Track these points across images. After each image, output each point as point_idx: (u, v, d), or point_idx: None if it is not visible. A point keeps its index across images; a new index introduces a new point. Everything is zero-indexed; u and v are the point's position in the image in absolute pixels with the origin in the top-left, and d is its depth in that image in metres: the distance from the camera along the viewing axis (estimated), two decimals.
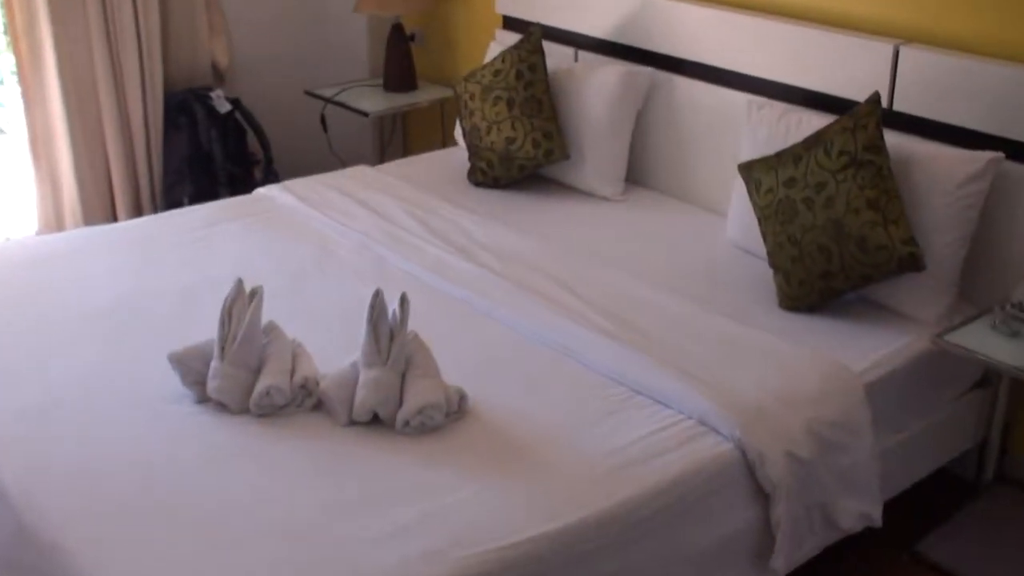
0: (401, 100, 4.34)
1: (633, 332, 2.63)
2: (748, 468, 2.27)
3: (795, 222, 2.75)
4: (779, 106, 3.09)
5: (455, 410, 2.30)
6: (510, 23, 4.04)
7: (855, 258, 2.67)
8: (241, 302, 2.35)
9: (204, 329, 2.43)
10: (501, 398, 2.40)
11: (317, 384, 2.32)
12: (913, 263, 2.62)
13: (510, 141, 3.50)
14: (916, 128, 2.87)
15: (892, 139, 2.74)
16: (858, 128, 2.69)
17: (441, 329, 2.56)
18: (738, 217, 3.12)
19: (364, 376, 2.27)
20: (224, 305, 2.34)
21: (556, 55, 3.73)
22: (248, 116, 4.36)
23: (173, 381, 2.39)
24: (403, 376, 2.30)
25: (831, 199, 2.69)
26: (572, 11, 3.76)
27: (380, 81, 4.48)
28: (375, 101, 4.33)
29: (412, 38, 4.52)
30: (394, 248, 3.10)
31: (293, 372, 2.33)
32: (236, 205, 3.47)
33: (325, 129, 4.44)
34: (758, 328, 2.69)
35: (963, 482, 3.01)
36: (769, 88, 3.21)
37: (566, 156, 3.49)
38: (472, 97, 3.61)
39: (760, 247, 3.01)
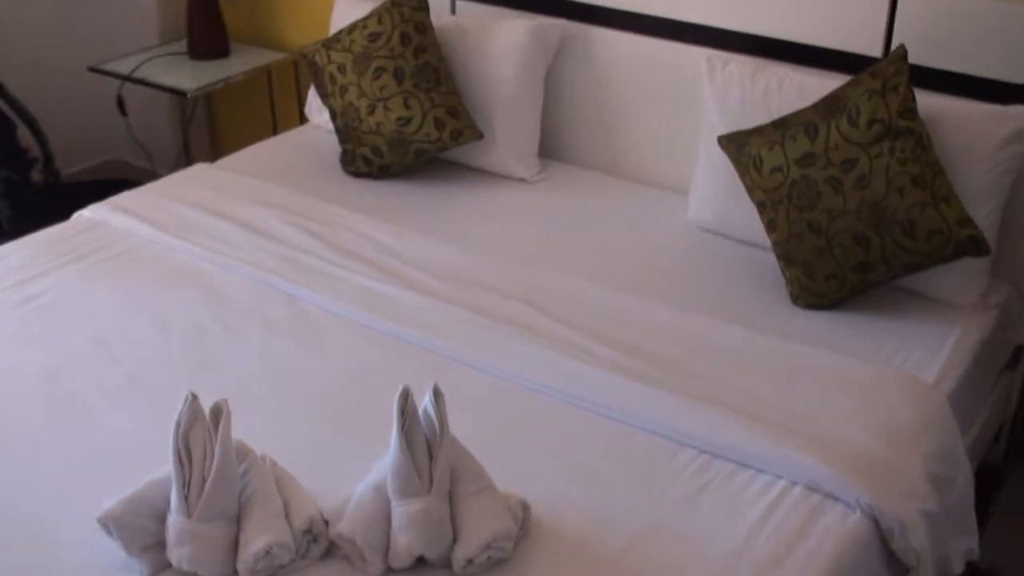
0: (217, 71, 3.52)
1: (662, 367, 2.11)
2: (882, 539, 1.84)
3: (818, 207, 2.31)
4: (747, 61, 2.61)
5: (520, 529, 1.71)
6: None
7: (901, 246, 2.26)
8: (201, 427, 1.63)
9: (106, 453, 1.79)
10: (546, 491, 1.82)
11: (326, 524, 1.67)
12: (976, 247, 2.24)
13: (403, 122, 2.84)
14: (921, 81, 2.47)
15: None
16: (888, 90, 2.26)
17: (399, 381, 1.91)
18: (706, 195, 2.66)
19: (403, 510, 1.63)
20: (176, 434, 1.62)
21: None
22: (14, 103, 3.42)
23: (101, 549, 1.65)
24: (449, 496, 1.68)
25: (865, 178, 2.26)
26: None
27: (182, 47, 3.63)
28: (184, 74, 3.49)
29: None
30: (301, 280, 2.41)
31: (287, 512, 1.66)
32: (58, 242, 2.61)
33: (124, 113, 3.55)
34: (784, 335, 2.26)
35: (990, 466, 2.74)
36: (716, 37, 2.74)
37: (479, 135, 2.87)
38: (341, 69, 2.90)
39: (742, 229, 2.59)
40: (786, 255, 2.38)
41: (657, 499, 1.83)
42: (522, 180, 2.93)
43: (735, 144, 2.46)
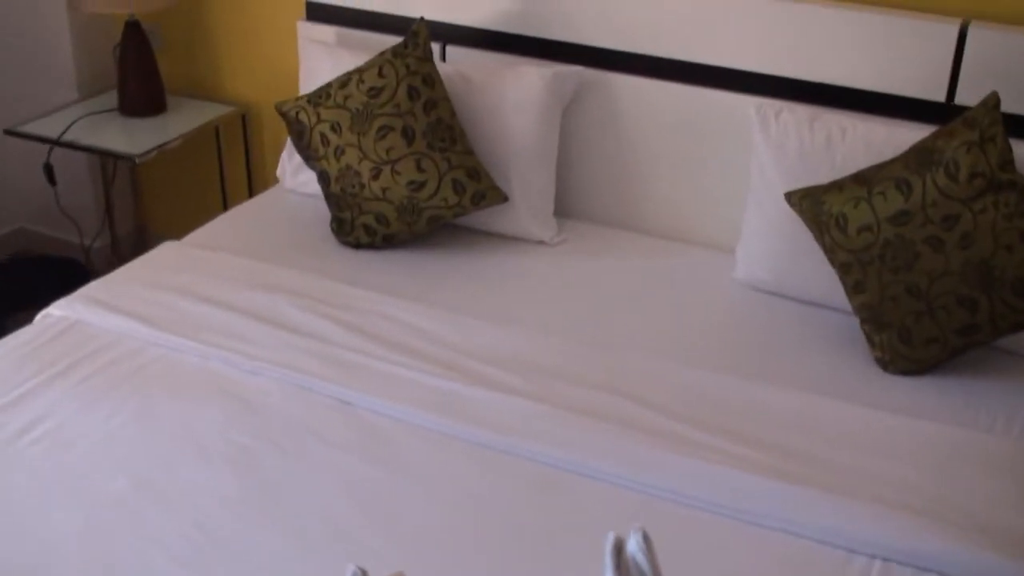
0: (157, 129, 3.12)
1: (799, 460, 1.92)
2: None
3: (916, 268, 2.16)
4: (801, 109, 2.45)
5: None
6: (318, 13, 2.99)
7: (1010, 306, 2.13)
8: None
9: None
10: None
11: None
12: None
13: (416, 186, 2.54)
14: None
15: None
16: (985, 141, 2.13)
17: (520, 508, 1.79)
18: (761, 253, 2.47)
19: None
20: None
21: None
22: None
23: None
24: None
25: (969, 236, 2.12)
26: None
27: (108, 103, 3.21)
28: (116, 134, 3.08)
29: None
30: (351, 381, 2.10)
31: None
32: (31, 352, 2.18)
33: (53, 182, 3.11)
34: (893, 407, 2.10)
35: None
36: (750, 82, 2.57)
37: (503, 198, 2.60)
38: (335, 129, 2.59)
39: (806, 289, 2.43)
40: (876, 319, 2.22)
41: None
42: (541, 243, 2.68)
43: (809, 201, 2.28)
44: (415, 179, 2.54)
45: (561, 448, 1.94)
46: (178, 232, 2.71)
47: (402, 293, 2.43)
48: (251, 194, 3.36)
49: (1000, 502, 1.84)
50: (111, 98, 3.21)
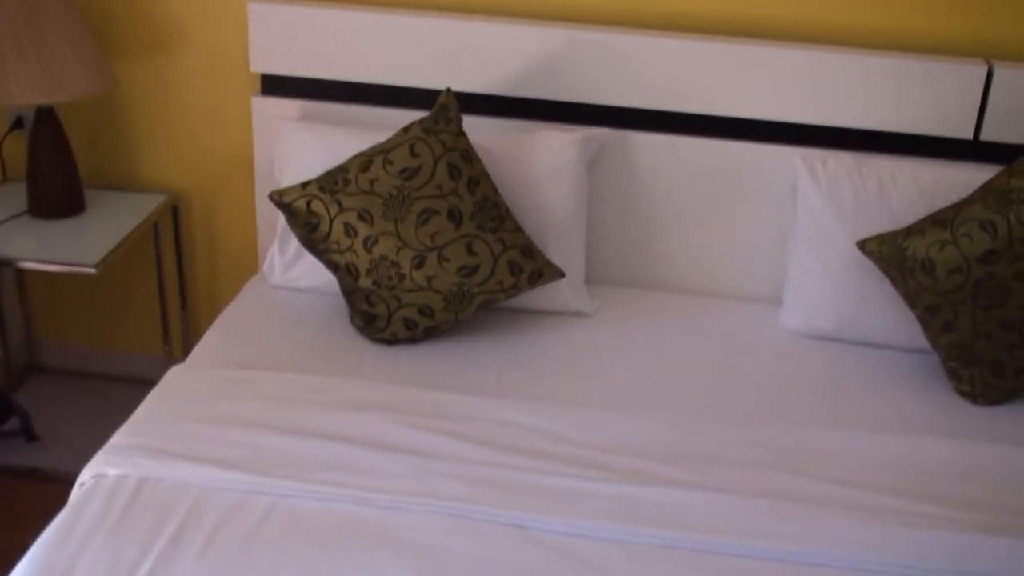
0: (80, 232, 2.71)
1: (986, 512, 1.96)
2: None
3: (1009, 304, 2.27)
4: (846, 157, 2.51)
5: None
6: (276, 86, 2.72)
7: None
8: None
9: None
10: None
11: None
12: None
13: (468, 271, 2.37)
14: (1007, 158, 2.53)
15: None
16: None
17: None
18: (817, 300, 2.51)
19: None
20: None
21: (395, 124, 2.60)
22: None
23: None
24: None
25: None
26: (426, 65, 2.65)
27: (15, 205, 2.75)
28: (30, 242, 2.65)
29: (19, 124, 2.86)
30: (514, 503, 1.91)
31: None
32: (120, 524, 1.82)
33: None
34: (1010, 440, 2.20)
35: None
36: (779, 132, 2.60)
37: (560, 274, 2.47)
38: (364, 217, 2.36)
39: (869, 333, 2.49)
40: (966, 356, 2.31)
41: None
42: (581, 314, 2.57)
43: (889, 247, 2.34)
44: (467, 264, 2.36)
45: (737, 535, 1.87)
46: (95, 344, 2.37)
47: (472, 388, 2.27)
48: (183, 295, 3.00)
49: None
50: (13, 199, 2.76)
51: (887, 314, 2.45)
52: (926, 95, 2.51)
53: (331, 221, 2.38)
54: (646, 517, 1.90)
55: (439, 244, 2.36)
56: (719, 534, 1.87)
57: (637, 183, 2.64)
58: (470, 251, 2.37)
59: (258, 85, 2.73)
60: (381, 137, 2.48)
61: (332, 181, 2.40)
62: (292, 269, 2.59)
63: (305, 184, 2.42)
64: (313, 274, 2.56)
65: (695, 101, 2.58)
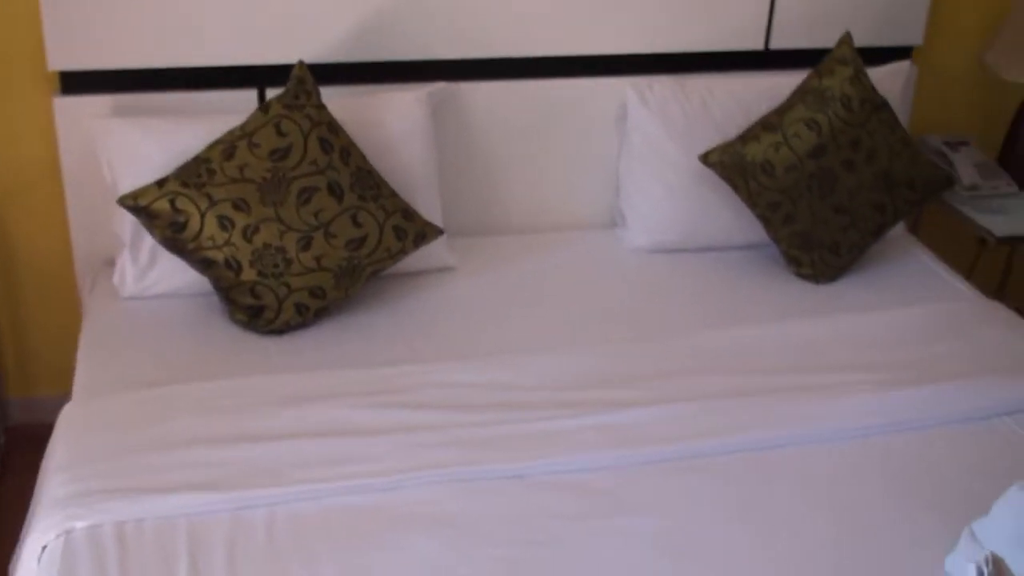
0: None
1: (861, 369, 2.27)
2: None
3: (838, 190, 2.59)
4: (666, 80, 2.72)
5: None
6: (78, 83, 2.50)
7: (906, 200, 2.67)
8: None
9: None
10: None
11: None
12: (949, 180, 2.74)
13: (356, 244, 2.35)
14: (795, 62, 2.85)
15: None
16: (859, 72, 2.61)
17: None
18: (664, 217, 2.73)
19: None
20: None
21: (225, 106, 2.51)
22: None
23: None
24: None
25: (873, 153, 2.60)
26: (247, 41, 2.54)
27: None
28: None
29: None
30: (509, 456, 1.97)
31: None
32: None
33: None
34: (859, 308, 2.53)
35: None
36: (592, 65, 2.76)
37: (439, 231, 2.49)
38: (240, 207, 2.27)
39: (710, 238, 2.74)
40: (807, 242, 2.62)
41: None
42: (448, 268, 2.63)
43: (729, 156, 2.59)
44: (354, 236, 2.34)
45: (729, 434, 2.06)
46: None
47: (393, 359, 2.27)
48: None
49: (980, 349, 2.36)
50: None
51: (726, 218, 2.71)
52: (720, 13, 2.77)
53: (202, 216, 2.27)
54: (626, 439, 2.03)
55: (324, 221, 2.32)
56: (695, 439, 2.04)
57: (476, 132, 2.71)
58: (356, 223, 2.35)
59: (57, 84, 2.50)
60: (217, 123, 2.38)
61: (195, 174, 2.28)
62: (146, 277, 2.43)
63: (161, 182, 2.28)
64: (171, 278, 2.43)
65: (521, 45, 2.68)
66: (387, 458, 1.95)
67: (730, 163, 2.59)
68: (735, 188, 2.61)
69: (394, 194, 2.43)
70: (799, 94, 2.63)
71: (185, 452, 1.95)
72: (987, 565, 1.46)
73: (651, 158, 2.70)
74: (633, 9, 2.71)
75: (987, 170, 2.99)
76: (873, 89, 2.63)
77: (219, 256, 2.29)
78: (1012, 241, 2.86)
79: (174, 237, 2.29)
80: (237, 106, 2.51)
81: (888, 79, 2.76)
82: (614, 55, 2.76)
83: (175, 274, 2.42)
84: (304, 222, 2.30)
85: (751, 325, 2.44)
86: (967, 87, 3.16)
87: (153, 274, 2.43)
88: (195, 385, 2.14)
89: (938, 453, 2.06)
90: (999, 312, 2.53)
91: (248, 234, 2.28)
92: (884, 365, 2.27)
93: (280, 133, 2.31)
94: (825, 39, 2.83)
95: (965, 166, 2.95)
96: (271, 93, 2.57)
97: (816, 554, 1.80)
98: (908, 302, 2.55)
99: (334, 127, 2.37)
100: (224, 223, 2.27)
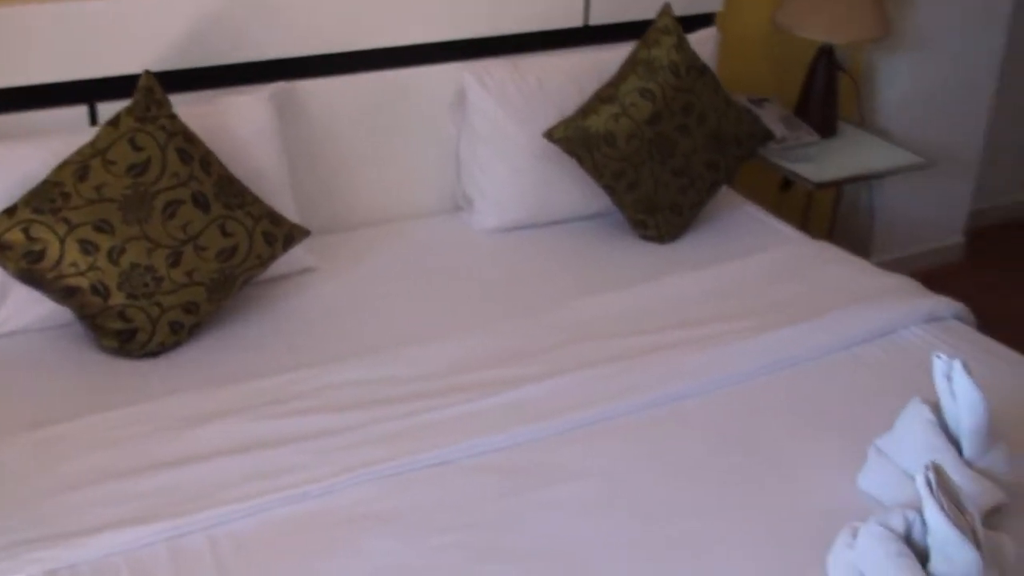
0: None
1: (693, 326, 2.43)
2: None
3: (675, 153, 2.76)
4: (500, 63, 2.80)
5: None
6: None
7: (735, 156, 2.87)
8: None
9: None
10: None
11: None
12: (769, 134, 2.95)
13: (227, 255, 2.31)
14: (613, 36, 2.99)
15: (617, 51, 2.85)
16: (681, 41, 2.78)
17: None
18: (511, 197, 2.81)
19: None
20: None
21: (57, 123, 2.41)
22: None
23: None
24: None
25: (703, 115, 2.78)
26: (66, 55, 2.42)
27: None
28: None
29: None
30: (433, 444, 2.01)
31: None
32: None
33: None
34: (708, 262, 2.70)
35: None
36: (428, 54, 2.81)
37: (306, 232, 2.47)
38: (103, 228, 2.19)
39: (557, 212, 2.85)
40: (651, 206, 2.77)
41: None
42: (310, 269, 2.61)
43: (573, 130, 2.70)
44: (225, 247, 2.30)
45: (634, 394, 2.17)
46: None
47: (282, 367, 2.25)
48: None
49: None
50: None
51: (571, 191, 2.82)
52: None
53: (62, 243, 2.17)
54: (535, 413, 2.11)
55: (192, 234, 2.27)
56: (598, 404, 2.13)
57: (319, 130, 2.70)
58: (225, 233, 2.31)
59: None
60: (55, 143, 2.29)
61: (47, 200, 2.18)
62: None
63: (10, 211, 2.16)
64: (22, 313, 2.30)
65: (355, 39, 2.69)
66: (314, 464, 1.95)
67: (574, 137, 2.70)
68: (580, 161, 2.73)
69: (257, 199, 2.39)
70: (630, 65, 2.78)
71: (99, 488, 1.88)
72: (931, 472, 1.63)
73: (494, 140, 2.77)
74: None
75: (790, 123, 3.25)
76: (695, 55, 2.81)
77: (83, 282, 2.19)
78: (828, 185, 3.13)
79: (30, 268, 2.18)
80: (68, 124, 2.41)
81: (699, 45, 2.94)
82: (445, 42, 2.81)
83: (25, 309, 2.29)
84: (172, 237, 2.24)
85: (613, 290, 2.57)
86: (764, 47, 3.41)
87: (2, 312, 2.29)
88: (83, 420, 2.05)
89: (819, 384, 2.25)
90: (831, 251, 2.77)
91: (114, 256, 2.20)
92: (749, 311, 2.45)
93: (136, 148, 2.23)
94: (637, 12, 2.99)
95: (772, 121, 3.19)
96: (103, 108, 2.47)
97: (737, 489, 1.95)
98: (750, 251, 2.75)
99: (190, 137, 2.31)
100: (87, 247, 2.18)
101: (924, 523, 1.67)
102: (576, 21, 2.96)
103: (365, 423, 2.05)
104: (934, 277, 2.78)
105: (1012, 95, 4.06)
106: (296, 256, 2.55)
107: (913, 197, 3.75)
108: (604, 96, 2.75)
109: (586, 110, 2.73)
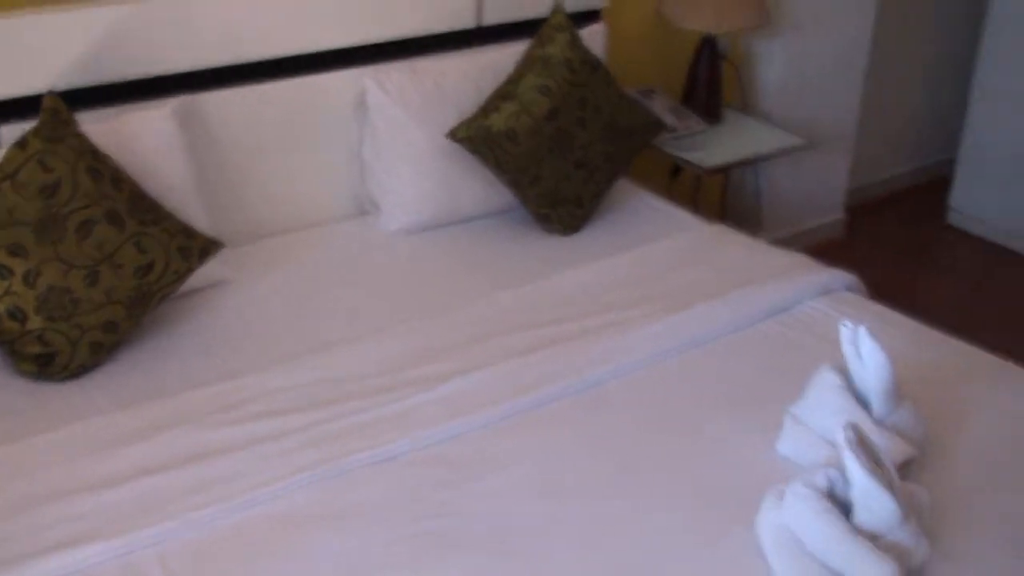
0: None
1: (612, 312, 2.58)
2: None
3: (575, 147, 2.86)
4: (399, 67, 2.87)
5: None
6: None
7: (630, 147, 2.99)
8: None
9: None
10: None
11: None
12: (661, 124, 3.08)
13: (144, 271, 2.32)
14: (505, 35, 3.08)
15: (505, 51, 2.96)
16: (574, 38, 2.88)
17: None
18: (417, 198, 2.87)
19: None
20: None
21: None
22: None
23: None
24: None
25: (599, 109, 2.89)
26: None
27: None
28: None
29: None
30: (362, 442, 2.07)
31: None
32: None
33: None
34: (609, 251, 2.81)
35: None
36: (326, 61, 2.85)
37: (221, 244, 2.49)
38: (16, 252, 2.19)
39: (464, 210, 2.93)
40: (554, 199, 2.87)
41: None
42: (224, 282, 2.63)
43: (475, 129, 2.78)
44: (141, 263, 2.31)
45: (566, 378, 2.28)
46: None
47: (213, 378, 2.27)
48: None
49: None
50: None
51: (475, 189, 2.90)
52: (428, 1, 2.94)
53: None
54: (470, 405, 2.18)
55: (108, 253, 2.27)
56: (528, 392, 2.22)
57: (224, 141, 2.71)
58: (140, 249, 2.32)
59: None
60: None
61: None
62: None
63: None
64: None
65: (256, 49, 2.72)
66: (257, 471, 1.99)
67: (476, 136, 2.78)
68: (483, 159, 2.81)
69: (170, 214, 2.41)
70: (526, 63, 2.87)
71: (42, 511, 1.89)
72: (850, 431, 1.76)
73: (397, 143, 2.83)
74: (352, 2, 2.82)
75: (679, 112, 3.39)
76: (588, 51, 2.91)
77: (1, 308, 2.18)
78: (718, 171, 3.28)
79: None
80: None
81: (589, 40, 3.05)
82: (344, 48, 2.85)
83: None
84: (88, 257, 2.25)
85: (524, 284, 2.65)
86: (649, 40, 3.55)
87: None
88: (9, 447, 2.05)
89: (729, 360, 2.38)
90: (727, 234, 2.91)
91: (30, 279, 2.19)
92: (657, 296, 2.57)
93: (45, 169, 2.23)
94: (528, 11, 3.09)
95: (661, 111, 3.33)
96: (6, 130, 2.43)
97: (664, 464, 2.06)
98: (651, 238, 2.87)
99: (99, 155, 2.32)
100: (1, 272, 2.17)
101: (845, 479, 1.81)
102: (469, 22, 3.03)
103: (303, 426, 2.10)
104: (819, 252, 2.94)
105: (881, 77, 4.30)
106: (210, 269, 2.57)
107: (796, 177, 3.95)
108: (503, 94, 2.83)
109: (487, 109, 2.81)
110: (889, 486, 1.77)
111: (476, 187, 2.90)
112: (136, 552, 1.82)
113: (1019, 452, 2.11)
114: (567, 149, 2.85)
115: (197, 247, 2.43)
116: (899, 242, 4.31)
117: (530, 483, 2.00)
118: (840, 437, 1.75)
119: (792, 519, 1.80)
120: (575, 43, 2.88)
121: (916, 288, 3.86)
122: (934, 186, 4.71)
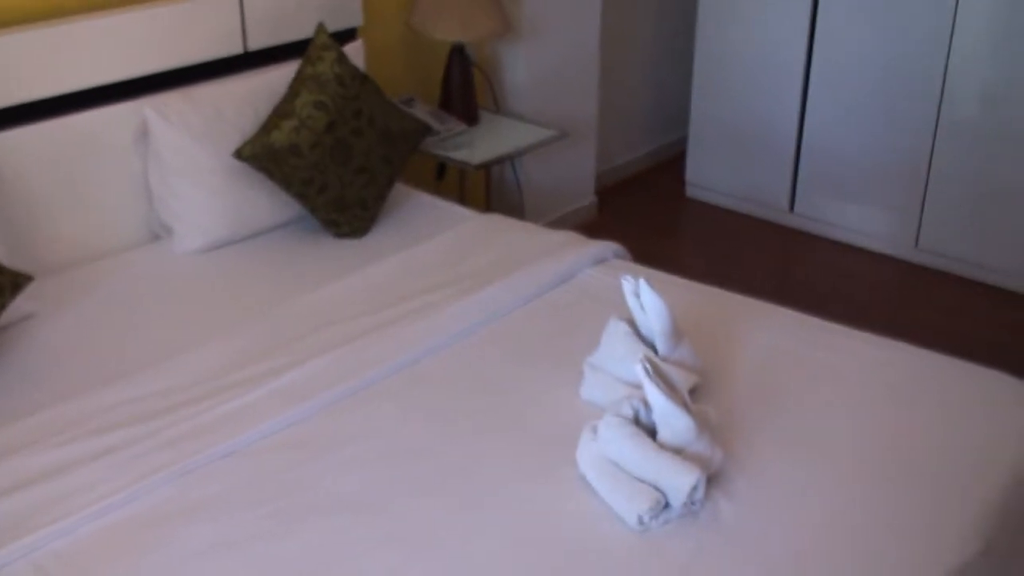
0: None
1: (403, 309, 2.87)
2: None
3: (355, 155, 3.11)
4: (176, 95, 3.03)
5: None
6: None
7: (403, 150, 3.26)
8: None
9: None
10: None
11: None
12: (428, 128, 3.37)
13: None
14: (272, 58, 3.30)
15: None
16: (340, 55, 3.13)
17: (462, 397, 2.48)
18: (207, 219, 3.04)
19: None
20: None
21: None
22: None
23: None
24: None
25: (372, 118, 3.15)
26: None
27: None
28: None
29: None
30: (214, 437, 2.26)
31: None
32: None
33: None
34: (396, 248, 3.09)
35: None
36: (105, 95, 2.99)
37: (30, 277, 2.59)
38: None
39: (248, 227, 3.12)
40: (340, 205, 3.11)
41: None
42: (32, 315, 2.72)
43: (260, 147, 2.98)
44: None
45: (388, 358, 2.53)
46: None
47: (69, 393, 2.40)
48: None
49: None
50: None
51: (265, 203, 3.10)
52: (200, 26, 3.12)
53: None
54: (308, 392, 2.40)
55: None
56: (361, 374, 2.46)
57: (11, 180, 2.80)
58: None
59: None
60: None
61: None
62: None
63: None
64: None
65: (33, 88, 2.82)
66: (113, 477, 2.13)
67: (261, 154, 2.99)
68: (270, 175, 3.02)
69: None
70: (299, 82, 3.10)
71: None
72: (646, 363, 2.10)
73: (185, 168, 3.00)
74: (123, 37, 2.97)
75: (439, 117, 3.70)
76: (354, 66, 3.17)
77: None
78: (484, 166, 3.61)
79: None
80: None
81: (351, 56, 3.32)
82: (119, 82, 2.99)
83: None
84: None
85: (326, 284, 2.85)
86: (403, 53, 3.83)
87: None
88: None
89: (527, 327, 2.70)
90: (502, 221, 3.25)
91: None
92: (452, 281, 2.85)
93: None
94: (291, 34, 3.32)
95: (423, 117, 3.62)
96: None
97: (487, 422, 2.33)
98: (435, 232, 3.15)
99: None
100: None
101: (647, 406, 2.14)
102: (237, 48, 3.23)
103: (151, 432, 2.25)
104: (580, 232, 3.31)
105: (615, 71, 4.79)
106: (15, 305, 2.66)
107: (549, 169, 4.35)
108: (282, 112, 3.05)
109: (267, 127, 3.02)
110: (684, 406, 2.12)
111: (265, 201, 3.10)
112: (11, 565, 1.94)
113: (779, 374, 2.53)
114: (348, 157, 3.09)
115: (9, 282, 2.53)
116: (646, 216, 4.80)
117: (370, 453, 2.24)
118: (638, 368, 2.08)
119: (607, 447, 2.12)
120: (342, 60, 3.13)
121: (665, 254, 4.33)
122: (672, 164, 5.28)
